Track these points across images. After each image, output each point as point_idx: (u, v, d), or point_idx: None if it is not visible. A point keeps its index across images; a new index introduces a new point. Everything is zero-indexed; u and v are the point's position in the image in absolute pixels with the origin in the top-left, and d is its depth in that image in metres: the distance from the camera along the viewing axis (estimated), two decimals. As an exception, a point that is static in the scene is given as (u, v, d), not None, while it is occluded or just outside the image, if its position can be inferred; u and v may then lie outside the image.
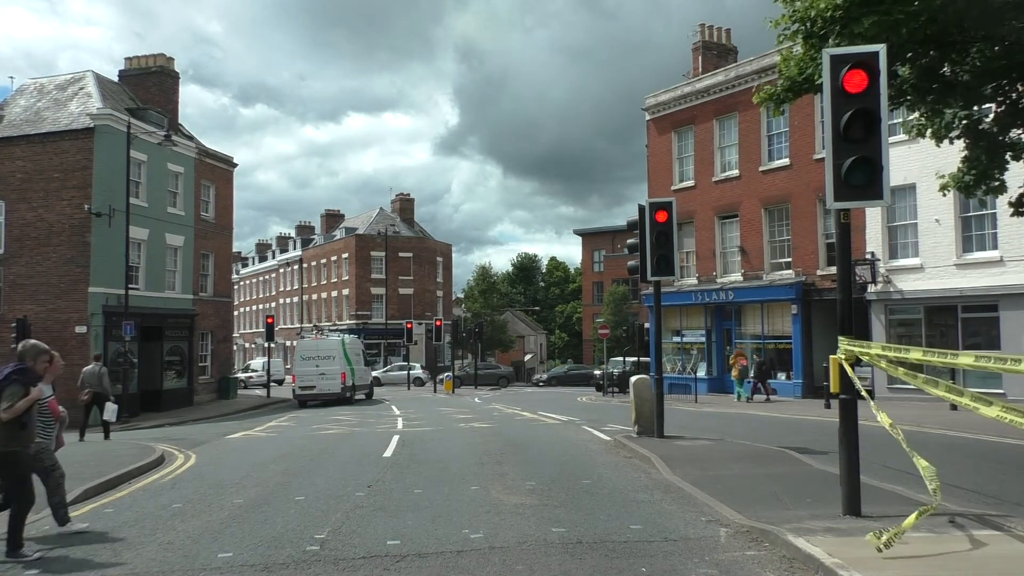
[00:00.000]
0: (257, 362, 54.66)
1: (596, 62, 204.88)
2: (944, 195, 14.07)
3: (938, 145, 12.15)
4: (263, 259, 79.62)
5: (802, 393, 25.67)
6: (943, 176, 12.56)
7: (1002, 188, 11.83)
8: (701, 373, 29.55)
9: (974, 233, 21.70)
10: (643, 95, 34.61)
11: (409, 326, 44.30)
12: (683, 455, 11.04)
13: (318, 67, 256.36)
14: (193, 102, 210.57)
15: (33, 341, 7.29)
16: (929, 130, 11.82)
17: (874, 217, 23.84)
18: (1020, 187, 12.04)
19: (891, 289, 23.41)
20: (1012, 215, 12.57)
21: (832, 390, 6.75)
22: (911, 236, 23.18)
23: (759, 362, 26.83)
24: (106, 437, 17.09)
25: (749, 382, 26.03)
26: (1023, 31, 9.69)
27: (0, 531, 6.66)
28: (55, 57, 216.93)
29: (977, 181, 11.68)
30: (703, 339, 30.26)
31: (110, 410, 17.26)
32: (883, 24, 9.06)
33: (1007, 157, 11.54)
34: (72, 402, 25.19)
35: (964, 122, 11.45)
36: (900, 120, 21.19)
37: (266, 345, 39.31)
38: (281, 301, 72.00)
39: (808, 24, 9.82)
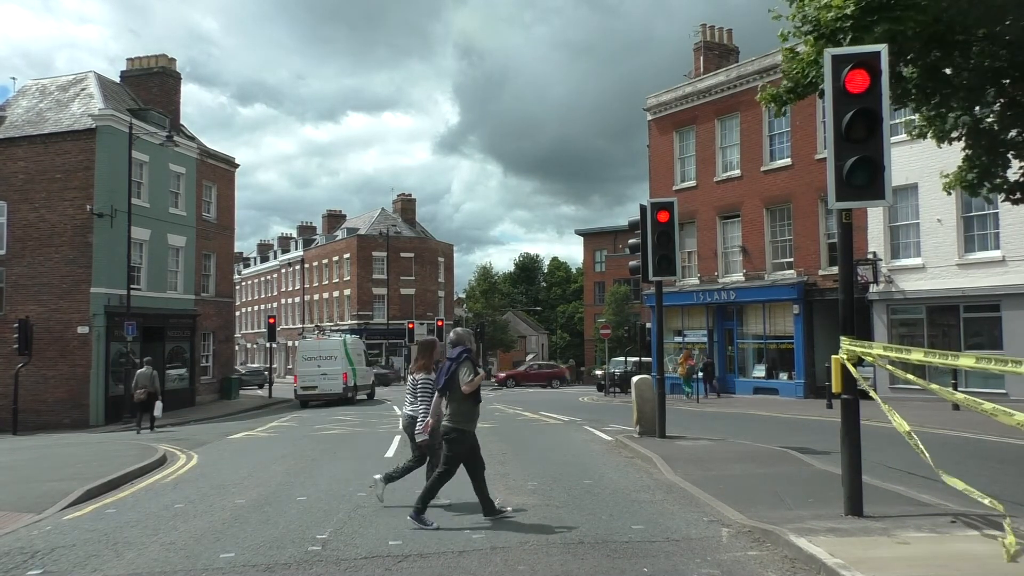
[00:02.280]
0: None
1: (597, 59, 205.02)
2: (948, 194, 14.04)
3: (939, 146, 12.14)
4: (265, 259, 79.68)
5: (804, 393, 25.67)
6: (947, 176, 12.56)
7: (1004, 185, 11.83)
8: (703, 373, 29.53)
9: (976, 233, 21.67)
10: (645, 93, 34.65)
11: (411, 326, 44.38)
12: (685, 455, 11.04)
13: (316, 65, 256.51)
14: (191, 101, 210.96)
15: (461, 328, 7.94)
16: (930, 132, 11.82)
17: (876, 217, 23.82)
18: (1020, 167, 12.00)
19: (893, 289, 23.39)
20: (1004, 200, 12.55)
21: (834, 390, 6.76)
22: (913, 236, 23.17)
23: (705, 363, 27.98)
24: (152, 430, 20.07)
25: (697, 381, 27.08)
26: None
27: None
28: (52, 56, 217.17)
29: (979, 179, 11.68)
30: (705, 339, 30.25)
31: (158, 407, 20.54)
32: (893, 31, 9.06)
33: (1008, 156, 11.53)
34: (73, 402, 25.41)
35: (965, 124, 11.44)
36: (902, 120, 21.19)
37: (268, 345, 39.37)
38: (283, 301, 72.05)
39: (818, 27, 9.78)
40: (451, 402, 7.20)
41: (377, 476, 8.16)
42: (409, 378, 8.32)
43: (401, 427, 8.15)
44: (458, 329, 7.73)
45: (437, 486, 7.25)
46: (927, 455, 6.19)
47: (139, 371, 20.59)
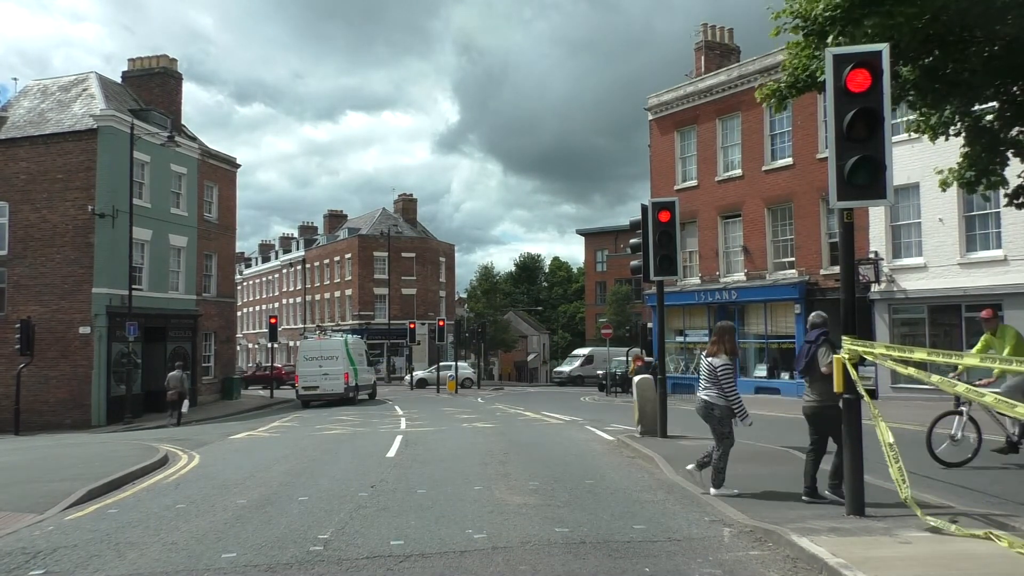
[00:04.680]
0: None
1: (597, 56, 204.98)
2: (943, 191, 14.04)
3: (932, 141, 12.09)
4: (266, 259, 79.71)
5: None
6: (942, 171, 12.54)
7: (1002, 183, 11.80)
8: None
9: (977, 232, 21.65)
10: (645, 90, 34.87)
11: (412, 326, 44.33)
12: (686, 455, 11.00)
13: (314, 63, 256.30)
14: (188, 99, 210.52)
15: (821, 311, 8.18)
16: (927, 127, 11.79)
17: (877, 216, 23.80)
18: (1019, 175, 11.97)
19: (894, 288, 23.38)
20: (1006, 205, 12.53)
21: (836, 389, 6.75)
22: (914, 235, 23.14)
23: (651, 364, 27.98)
24: (178, 424, 22.87)
25: None
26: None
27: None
28: (48, 55, 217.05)
29: (978, 177, 11.65)
30: (706, 339, 30.21)
31: (186, 404, 23.47)
32: (884, 25, 9.02)
33: (1008, 154, 11.50)
34: (75, 402, 25.44)
35: (965, 121, 11.41)
36: (903, 119, 21.19)
37: (269, 345, 39.36)
38: (284, 301, 72.07)
39: (808, 22, 9.76)
40: (813, 383, 7.46)
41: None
42: (704, 362, 8.33)
43: (696, 410, 8.49)
44: (820, 312, 8.12)
45: (840, 460, 7.31)
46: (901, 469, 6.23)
47: (170, 374, 23.51)
